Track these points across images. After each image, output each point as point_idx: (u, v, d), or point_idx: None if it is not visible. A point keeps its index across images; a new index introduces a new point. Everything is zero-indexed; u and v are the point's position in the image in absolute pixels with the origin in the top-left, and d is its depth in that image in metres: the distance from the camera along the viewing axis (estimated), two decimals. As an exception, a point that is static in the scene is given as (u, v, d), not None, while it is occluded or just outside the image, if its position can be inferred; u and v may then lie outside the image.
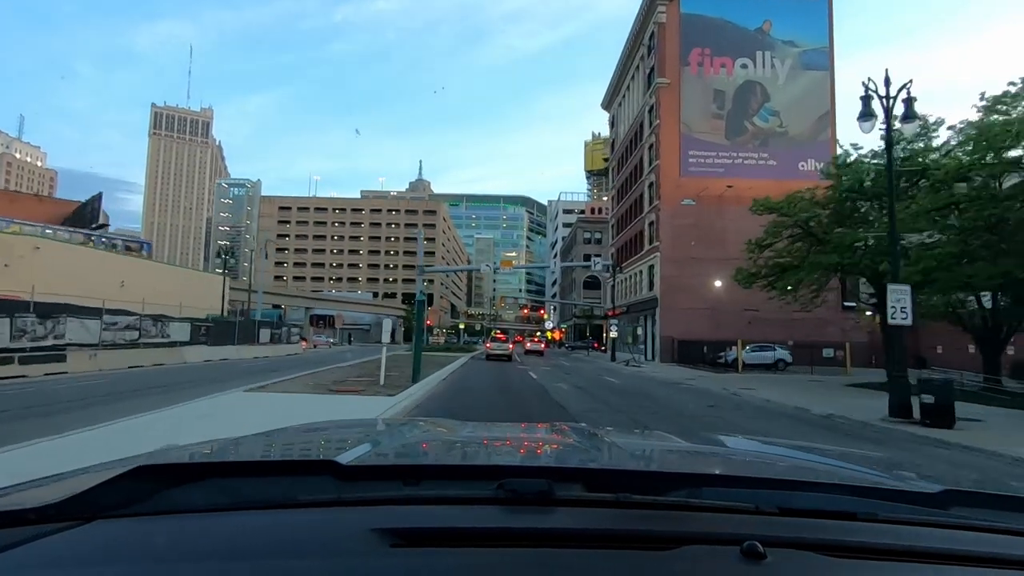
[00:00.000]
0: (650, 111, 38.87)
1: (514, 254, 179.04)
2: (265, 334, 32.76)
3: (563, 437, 1.86)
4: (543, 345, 46.42)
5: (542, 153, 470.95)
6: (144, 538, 0.78)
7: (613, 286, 36.57)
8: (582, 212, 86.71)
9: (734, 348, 28.79)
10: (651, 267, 37.73)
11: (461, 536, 0.79)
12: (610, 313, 47.61)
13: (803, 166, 36.31)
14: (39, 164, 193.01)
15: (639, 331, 40.28)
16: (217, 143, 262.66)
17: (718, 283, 35.19)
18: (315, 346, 45.78)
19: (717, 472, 1.34)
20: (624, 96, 47.68)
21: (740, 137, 36.64)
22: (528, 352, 45.03)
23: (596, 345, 73.94)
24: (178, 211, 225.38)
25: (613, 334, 34.76)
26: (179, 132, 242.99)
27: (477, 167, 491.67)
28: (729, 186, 34.79)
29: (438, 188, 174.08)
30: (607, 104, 54.12)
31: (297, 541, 0.76)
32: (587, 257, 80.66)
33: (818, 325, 35.29)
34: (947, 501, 0.96)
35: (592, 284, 78.46)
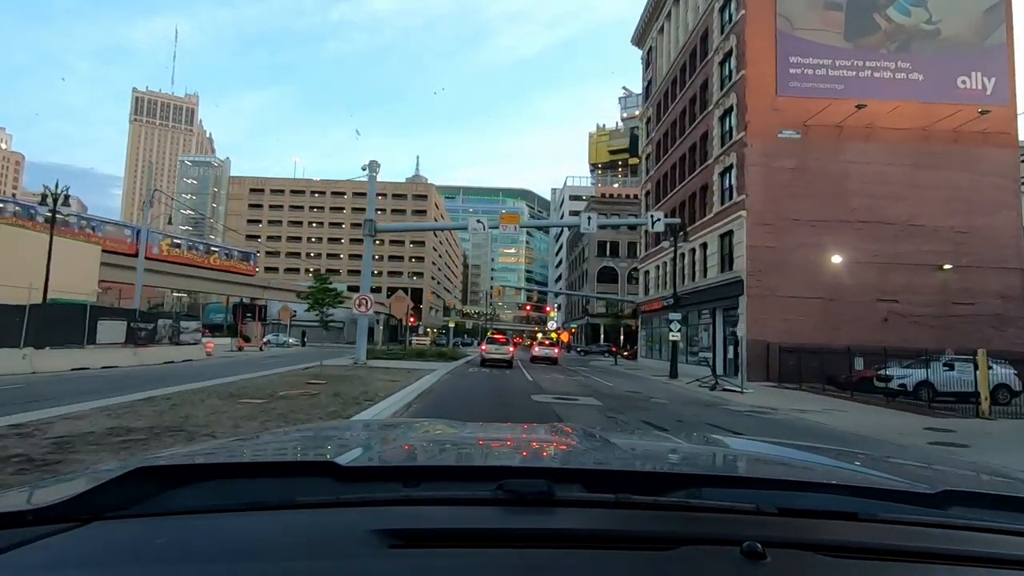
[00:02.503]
0: (722, 7, 26.37)
1: (513, 250, 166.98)
2: (114, 329, 20.11)
3: (563, 438, 1.83)
4: (556, 350, 33.95)
5: (542, 153, 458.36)
6: (143, 539, 0.77)
7: (675, 260, 23.93)
8: (592, 197, 74.15)
9: (946, 362, 16.23)
10: (725, 236, 25.19)
11: (460, 537, 0.78)
12: (649, 308, 35.01)
13: (964, 82, 23.81)
14: (2, 146, 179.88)
15: (703, 332, 27.70)
16: (208, 135, 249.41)
17: (837, 258, 22.71)
18: (262, 347, 33.11)
19: (717, 472, 1.30)
20: (669, 15, 35.19)
21: (868, 38, 24.14)
22: (536, 359, 32.60)
23: (614, 349, 61.61)
24: (159, 201, 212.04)
25: (675, 336, 22.30)
26: (162, 119, 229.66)
27: (475, 167, 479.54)
28: (860, 106, 22.29)
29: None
30: (639, 37, 41.64)
31: (296, 542, 0.75)
32: (602, 245, 68.35)
33: (990, 325, 22.91)
34: (946, 501, 0.95)
35: (608, 276, 66.02)
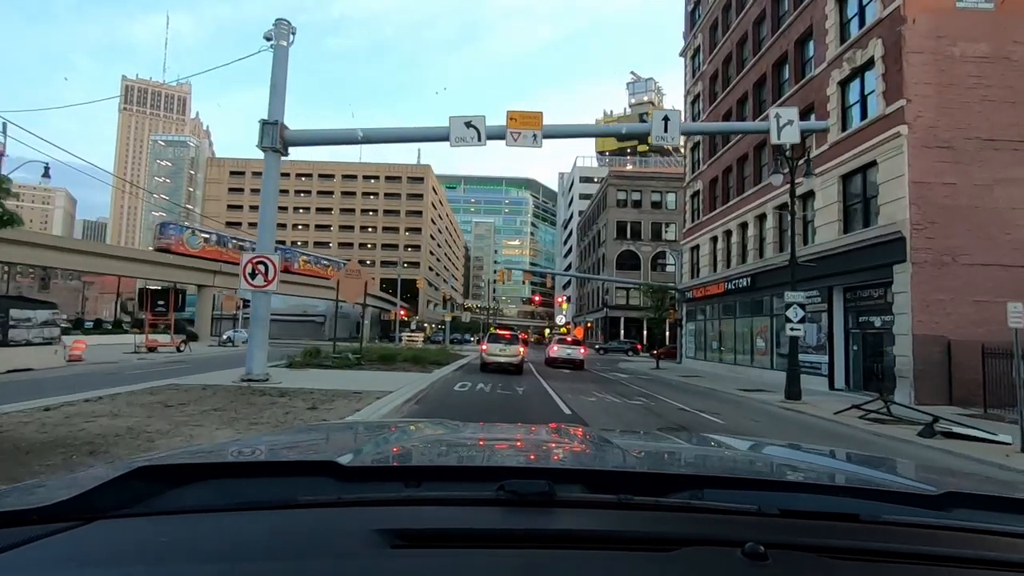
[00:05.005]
0: None
1: (517, 242, 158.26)
2: None
3: (564, 438, 1.82)
4: (581, 350, 25.21)
5: (547, 150, 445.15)
6: (145, 539, 0.77)
7: (792, 204, 14.70)
8: (613, 171, 64.99)
9: None
10: (856, 175, 16.33)
11: (462, 537, 0.78)
12: (700, 295, 25.81)
13: None
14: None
15: (808, 323, 18.65)
16: (205, 127, 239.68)
17: (1060, 202, 13.78)
18: (180, 346, 24.43)
19: (719, 474, 1.29)
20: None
21: None
22: (555, 363, 24.07)
23: (639, 347, 52.82)
24: (150, 193, 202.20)
25: (795, 330, 13.45)
26: (153, 107, 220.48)
27: (477, 161, 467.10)
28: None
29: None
30: (682, -48, 32.57)
31: (297, 542, 0.75)
32: (622, 227, 59.26)
33: None
34: (949, 503, 0.94)
35: (628, 263, 57.04)
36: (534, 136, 11.10)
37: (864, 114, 16.05)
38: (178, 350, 23.86)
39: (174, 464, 1.06)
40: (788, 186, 16.60)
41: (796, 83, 19.67)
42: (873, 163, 15.36)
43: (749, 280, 22.52)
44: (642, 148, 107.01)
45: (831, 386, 17.00)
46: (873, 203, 15.53)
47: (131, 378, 13.26)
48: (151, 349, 23.60)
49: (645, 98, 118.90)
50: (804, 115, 19.08)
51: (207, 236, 44.20)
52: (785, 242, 20.56)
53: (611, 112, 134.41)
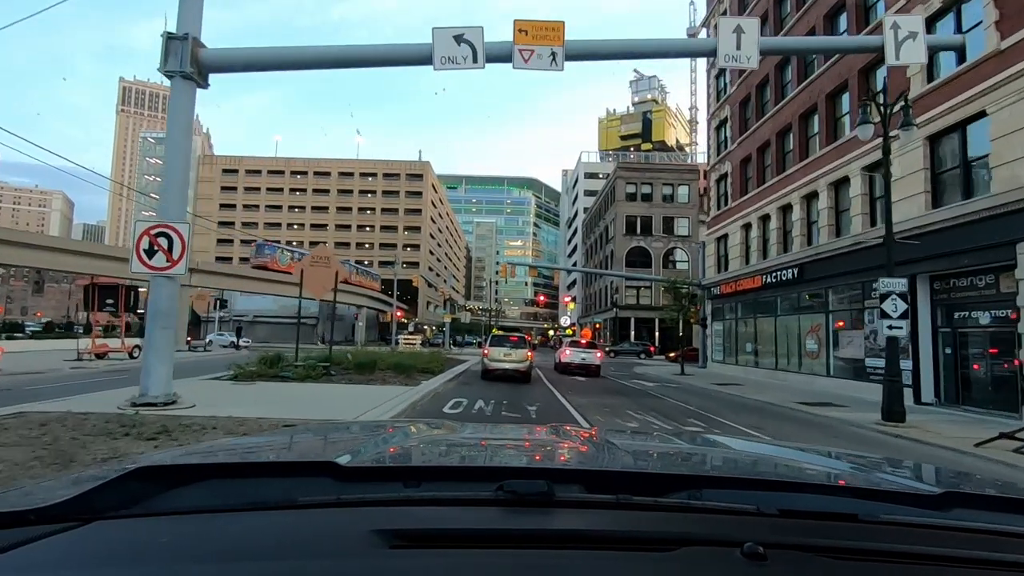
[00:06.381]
0: None
1: (519, 243, 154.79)
2: None
3: (564, 439, 1.81)
4: (597, 354, 21.94)
5: (546, 149, 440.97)
6: (144, 539, 0.77)
7: (887, 170, 11.19)
8: (622, 164, 61.57)
9: None
10: (955, 129, 13.00)
11: (461, 537, 0.78)
12: (729, 290, 22.31)
13: None
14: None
15: (878, 322, 15.31)
16: (205, 130, 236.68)
17: None
18: (132, 351, 21.17)
19: (718, 474, 1.29)
20: None
21: None
22: (569, 369, 20.93)
23: (652, 349, 49.44)
24: (141, 194, 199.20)
25: (896, 330, 10.18)
26: (151, 109, 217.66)
27: (478, 161, 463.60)
28: None
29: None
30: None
31: (296, 542, 0.75)
32: (631, 222, 55.90)
33: None
34: (948, 503, 0.94)
35: (638, 260, 53.67)
36: (552, 55, 7.80)
37: (962, 56, 12.72)
38: (131, 356, 20.60)
39: (173, 465, 1.04)
40: (854, 153, 13.35)
41: (858, 31, 16.34)
42: (980, 114, 12.01)
43: (796, 271, 19.17)
44: (646, 146, 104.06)
45: (916, 399, 13.64)
46: (977, 167, 12.20)
47: (21, 396, 10.04)
48: (100, 355, 20.35)
49: (649, 96, 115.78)
50: (872, 68, 15.81)
51: (292, 253, 50.90)
52: (843, 225, 17.24)
53: (614, 111, 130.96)
